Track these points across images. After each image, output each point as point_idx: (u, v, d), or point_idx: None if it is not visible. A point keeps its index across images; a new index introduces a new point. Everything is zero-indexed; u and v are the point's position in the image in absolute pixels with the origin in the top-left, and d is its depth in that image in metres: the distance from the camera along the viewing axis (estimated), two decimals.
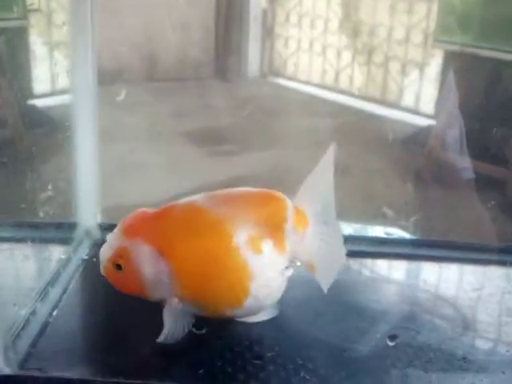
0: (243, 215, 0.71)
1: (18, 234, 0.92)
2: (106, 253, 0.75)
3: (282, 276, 0.75)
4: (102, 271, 0.76)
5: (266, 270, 0.73)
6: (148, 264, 0.72)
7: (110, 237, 0.75)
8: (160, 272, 0.72)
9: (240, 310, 0.74)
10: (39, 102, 2.94)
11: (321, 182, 0.76)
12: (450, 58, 3.25)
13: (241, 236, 0.71)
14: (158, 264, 0.71)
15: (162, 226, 0.72)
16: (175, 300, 0.73)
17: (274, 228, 0.73)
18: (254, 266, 0.71)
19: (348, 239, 0.87)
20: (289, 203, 0.74)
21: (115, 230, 0.75)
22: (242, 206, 0.73)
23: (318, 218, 0.76)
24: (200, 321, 0.78)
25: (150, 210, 0.74)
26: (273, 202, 0.74)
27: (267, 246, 0.72)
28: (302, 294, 0.88)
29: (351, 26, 4.02)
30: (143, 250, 0.71)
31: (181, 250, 0.71)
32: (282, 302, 0.80)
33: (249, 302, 0.73)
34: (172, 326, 0.75)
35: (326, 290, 0.77)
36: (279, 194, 0.75)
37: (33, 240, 0.94)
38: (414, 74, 3.69)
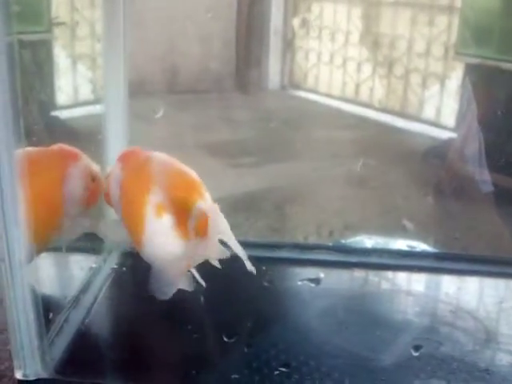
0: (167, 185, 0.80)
1: (51, 243, 0.95)
2: None
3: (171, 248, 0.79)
4: None
5: (158, 232, 0.80)
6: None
7: None
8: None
9: (143, 248, 0.82)
10: (62, 114, 2.98)
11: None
12: (471, 71, 3.25)
13: (153, 198, 0.79)
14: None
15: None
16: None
17: (182, 212, 0.78)
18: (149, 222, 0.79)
19: (371, 252, 0.88)
20: (205, 207, 0.77)
21: None
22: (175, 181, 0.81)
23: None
24: (230, 330, 0.80)
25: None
26: (195, 194, 0.78)
27: (167, 217, 0.78)
28: (326, 305, 0.89)
29: (372, 39, 4.03)
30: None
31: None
32: (304, 311, 0.82)
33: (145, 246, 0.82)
34: None
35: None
36: (206, 196, 0.79)
37: (66, 249, 0.97)
38: (434, 86, 3.69)
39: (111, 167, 0.92)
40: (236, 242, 0.76)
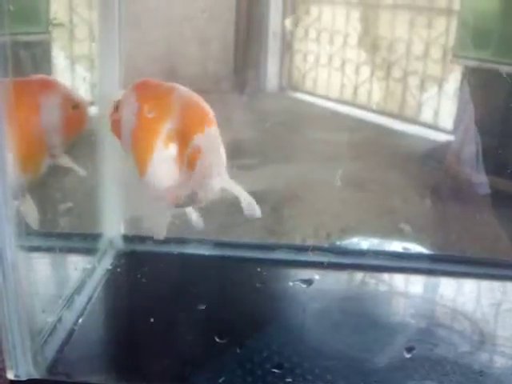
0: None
1: (45, 243, 0.95)
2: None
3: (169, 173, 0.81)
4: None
5: (163, 161, 0.81)
6: None
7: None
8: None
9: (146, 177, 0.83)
10: None
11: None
12: (469, 74, 3.24)
13: (167, 127, 0.80)
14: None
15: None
16: None
17: (184, 142, 0.79)
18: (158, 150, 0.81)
19: (366, 253, 0.88)
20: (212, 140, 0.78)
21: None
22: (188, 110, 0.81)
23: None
24: (222, 330, 0.80)
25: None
26: (198, 127, 0.78)
27: (173, 147, 0.80)
28: (320, 306, 0.89)
29: (370, 41, 4.04)
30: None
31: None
32: (298, 313, 0.81)
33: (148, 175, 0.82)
34: None
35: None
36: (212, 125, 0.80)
37: (60, 249, 0.97)
38: (432, 89, 3.69)
39: (121, 98, 0.90)
40: (231, 182, 0.76)
